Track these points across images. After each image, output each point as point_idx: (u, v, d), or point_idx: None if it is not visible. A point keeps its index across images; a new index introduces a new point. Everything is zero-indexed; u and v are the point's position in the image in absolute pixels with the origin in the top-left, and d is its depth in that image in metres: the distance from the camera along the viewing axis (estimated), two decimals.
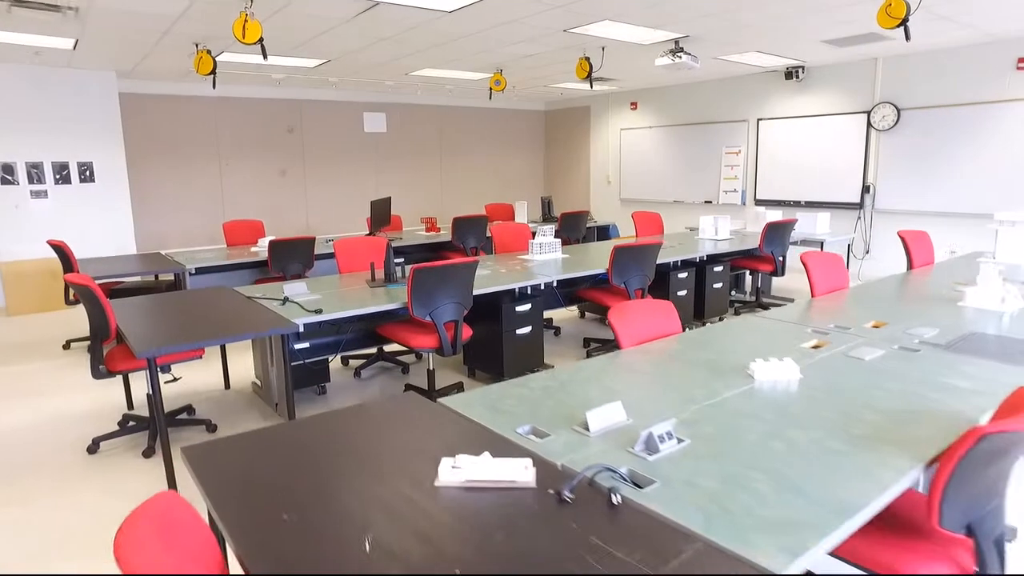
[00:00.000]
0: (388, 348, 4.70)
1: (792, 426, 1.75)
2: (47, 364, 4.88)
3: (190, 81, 7.84)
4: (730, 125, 8.77)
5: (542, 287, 4.18)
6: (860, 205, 7.53)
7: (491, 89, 7.65)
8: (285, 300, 3.48)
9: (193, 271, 5.16)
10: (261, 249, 5.91)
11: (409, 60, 6.87)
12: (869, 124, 7.30)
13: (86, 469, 3.11)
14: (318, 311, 3.22)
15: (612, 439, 1.69)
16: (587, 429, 1.72)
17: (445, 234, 7.08)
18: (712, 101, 8.97)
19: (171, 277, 5.55)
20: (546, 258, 4.96)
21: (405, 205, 10.00)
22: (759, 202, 8.57)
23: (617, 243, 4.40)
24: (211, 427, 3.56)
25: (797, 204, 8.12)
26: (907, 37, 4.05)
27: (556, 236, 7.73)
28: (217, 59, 5.57)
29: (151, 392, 2.78)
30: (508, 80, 7.96)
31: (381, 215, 6.48)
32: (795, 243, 6.07)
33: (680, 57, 5.96)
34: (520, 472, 1.47)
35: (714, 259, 5.57)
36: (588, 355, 4.75)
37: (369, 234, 6.56)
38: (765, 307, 6.12)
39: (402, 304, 3.44)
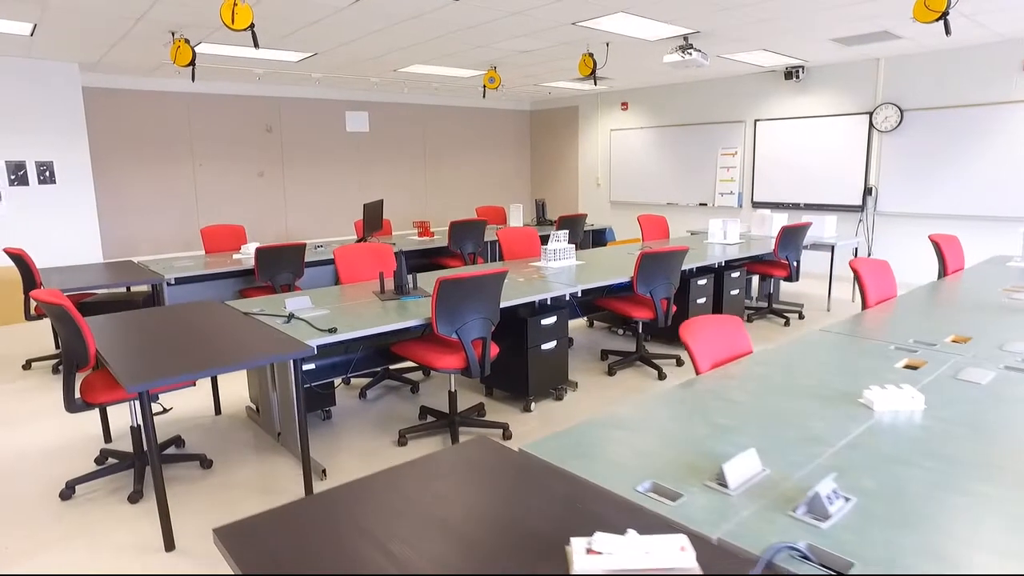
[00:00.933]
0: (395, 365, 4.31)
1: (965, 476, 1.46)
2: (5, 388, 4.34)
3: (161, 76, 7.29)
4: (726, 126, 8.61)
5: (567, 298, 3.86)
6: (862, 207, 7.42)
7: (484, 87, 7.30)
8: (291, 317, 3.08)
9: (172, 281, 4.68)
10: (245, 256, 5.44)
11: (400, 55, 6.48)
12: (871, 125, 7.20)
13: (61, 520, 2.65)
14: (332, 330, 2.83)
15: (758, 497, 1.37)
16: (723, 485, 1.40)
17: (440, 239, 6.71)
18: (707, 102, 8.79)
19: (145, 288, 5.06)
20: (561, 265, 4.63)
21: (390, 208, 9.58)
22: (756, 204, 8.42)
23: (644, 249, 4.10)
24: (206, 463, 3.12)
25: (796, 206, 7.98)
26: (947, 31, 3.86)
27: None
28: (196, 49, 5.10)
29: (142, 429, 2.35)
30: (500, 77, 7.61)
31: (374, 219, 6.07)
32: (804, 247, 5.88)
33: (690, 54, 5.72)
34: (677, 555, 1.13)
35: (729, 265, 5.33)
36: (610, 369, 4.43)
37: (361, 239, 6.14)
38: (778, 313, 5.92)
39: (424, 320, 3.08)
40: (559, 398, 3.93)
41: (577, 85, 9.15)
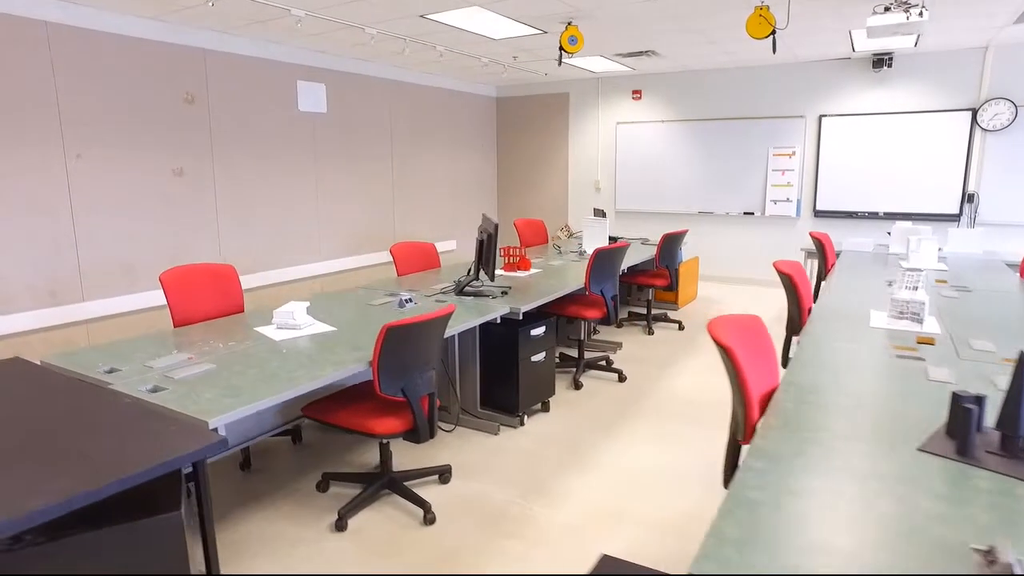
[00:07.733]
0: None
1: None
2: None
3: None
4: (780, 121, 7.33)
5: None
6: (958, 216, 6.57)
7: (561, 51, 5.09)
8: None
9: (225, 438, 1.92)
10: (290, 334, 2.74)
11: None
12: (974, 123, 6.35)
13: None
14: None
15: None
16: None
17: (540, 274, 4.38)
18: (753, 93, 7.44)
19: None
20: (915, 328, 2.75)
21: (353, 222, 6.85)
22: (819, 213, 7.27)
23: None
24: None
25: (875, 216, 6.95)
26: None
27: (657, 267, 5.52)
28: None
29: None
30: (583, 37, 5.31)
31: (490, 252, 3.61)
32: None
33: (921, 14, 4.18)
34: None
35: None
36: None
37: (467, 284, 3.63)
38: None
39: None
40: None
41: (605, 66, 7.22)
